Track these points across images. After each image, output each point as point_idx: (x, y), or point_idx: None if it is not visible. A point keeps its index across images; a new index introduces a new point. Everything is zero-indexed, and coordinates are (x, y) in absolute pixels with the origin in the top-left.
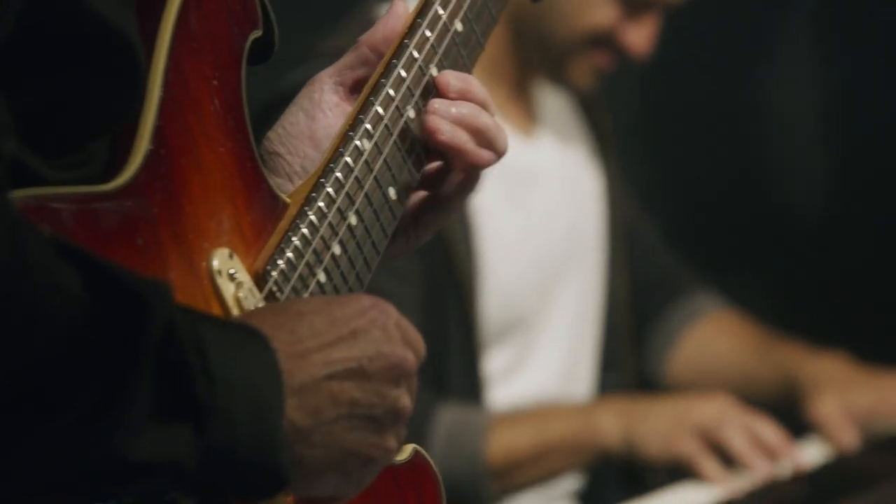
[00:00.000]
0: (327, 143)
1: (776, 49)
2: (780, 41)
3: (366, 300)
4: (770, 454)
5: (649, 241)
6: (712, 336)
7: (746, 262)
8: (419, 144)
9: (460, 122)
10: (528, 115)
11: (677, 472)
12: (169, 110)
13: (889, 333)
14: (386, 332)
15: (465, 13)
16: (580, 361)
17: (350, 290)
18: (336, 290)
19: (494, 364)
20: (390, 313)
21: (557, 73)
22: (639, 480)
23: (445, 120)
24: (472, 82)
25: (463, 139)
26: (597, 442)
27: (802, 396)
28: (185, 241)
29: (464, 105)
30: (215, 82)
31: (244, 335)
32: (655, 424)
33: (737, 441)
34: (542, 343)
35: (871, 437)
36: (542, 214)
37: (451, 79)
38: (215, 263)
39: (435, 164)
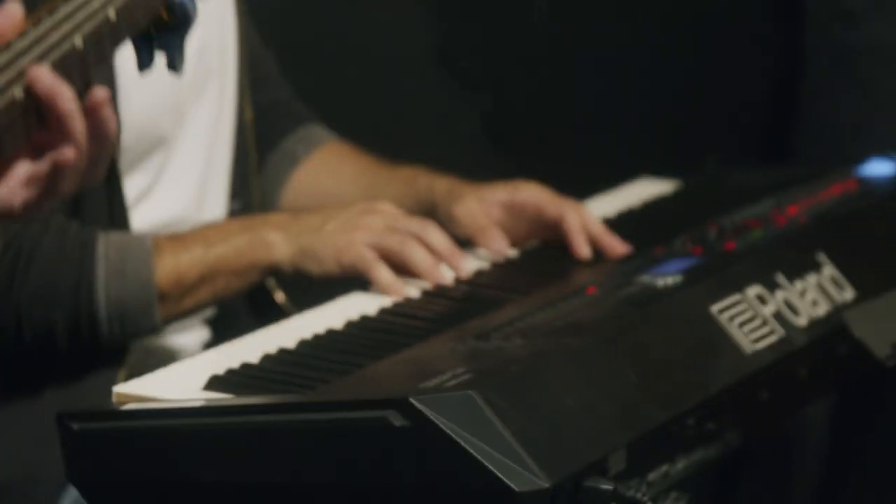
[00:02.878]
0: None
1: None
2: None
3: None
4: (443, 261)
5: (271, 68)
6: (336, 158)
7: None
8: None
9: None
10: None
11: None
12: None
13: None
14: None
15: None
16: (214, 184)
17: None
18: None
19: (133, 188)
20: None
21: None
22: (268, 303)
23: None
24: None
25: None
26: (269, 259)
27: (440, 211)
28: None
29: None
30: None
31: None
32: (328, 238)
33: (415, 254)
34: (176, 165)
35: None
36: None
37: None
38: None
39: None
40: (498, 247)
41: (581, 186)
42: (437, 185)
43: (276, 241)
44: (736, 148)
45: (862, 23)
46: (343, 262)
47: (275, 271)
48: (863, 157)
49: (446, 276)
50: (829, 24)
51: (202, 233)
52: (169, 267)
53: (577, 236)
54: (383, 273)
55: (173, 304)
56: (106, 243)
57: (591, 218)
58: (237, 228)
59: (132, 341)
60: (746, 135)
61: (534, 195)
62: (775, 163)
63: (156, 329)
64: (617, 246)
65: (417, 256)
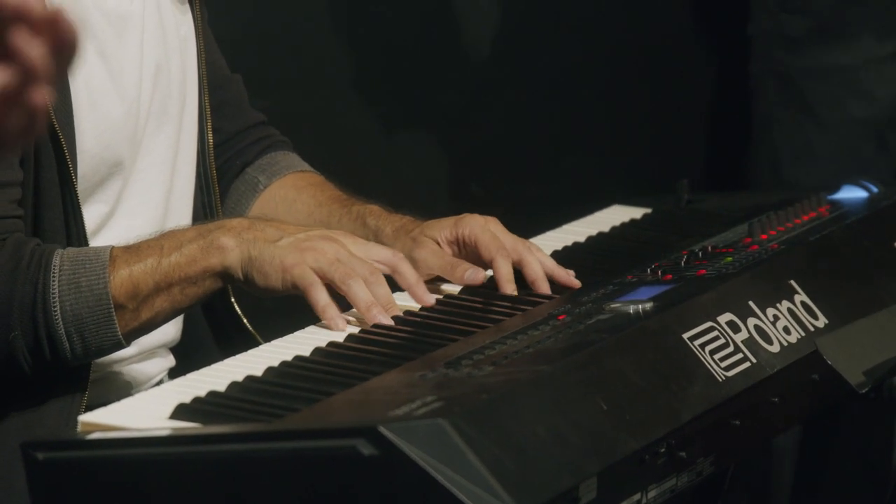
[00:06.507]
0: None
1: None
2: None
3: None
4: (409, 292)
5: (238, 94)
6: (294, 190)
7: None
8: None
9: None
10: None
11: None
12: None
13: None
14: None
15: None
16: (175, 211)
17: None
18: None
19: (91, 217)
20: None
21: None
22: (235, 331)
23: None
24: None
25: None
26: (221, 264)
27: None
28: None
29: None
30: None
31: None
32: (278, 252)
33: (353, 288)
34: (135, 192)
35: None
36: (130, 59)
37: None
38: None
39: None
40: (475, 277)
41: (554, 214)
42: (386, 226)
43: (228, 245)
44: (703, 176)
45: (805, 49)
46: (286, 280)
47: (227, 277)
48: (811, 179)
49: (383, 317)
50: (773, 52)
51: (157, 241)
52: (123, 278)
53: (505, 285)
54: (321, 295)
55: (131, 316)
56: (61, 257)
57: (539, 258)
58: (192, 235)
59: (98, 357)
60: (709, 164)
61: (474, 232)
62: (732, 190)
63: (121, 344)
64: (572, 280)
65: (356, 291)
